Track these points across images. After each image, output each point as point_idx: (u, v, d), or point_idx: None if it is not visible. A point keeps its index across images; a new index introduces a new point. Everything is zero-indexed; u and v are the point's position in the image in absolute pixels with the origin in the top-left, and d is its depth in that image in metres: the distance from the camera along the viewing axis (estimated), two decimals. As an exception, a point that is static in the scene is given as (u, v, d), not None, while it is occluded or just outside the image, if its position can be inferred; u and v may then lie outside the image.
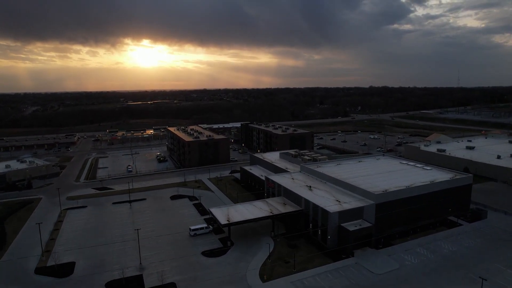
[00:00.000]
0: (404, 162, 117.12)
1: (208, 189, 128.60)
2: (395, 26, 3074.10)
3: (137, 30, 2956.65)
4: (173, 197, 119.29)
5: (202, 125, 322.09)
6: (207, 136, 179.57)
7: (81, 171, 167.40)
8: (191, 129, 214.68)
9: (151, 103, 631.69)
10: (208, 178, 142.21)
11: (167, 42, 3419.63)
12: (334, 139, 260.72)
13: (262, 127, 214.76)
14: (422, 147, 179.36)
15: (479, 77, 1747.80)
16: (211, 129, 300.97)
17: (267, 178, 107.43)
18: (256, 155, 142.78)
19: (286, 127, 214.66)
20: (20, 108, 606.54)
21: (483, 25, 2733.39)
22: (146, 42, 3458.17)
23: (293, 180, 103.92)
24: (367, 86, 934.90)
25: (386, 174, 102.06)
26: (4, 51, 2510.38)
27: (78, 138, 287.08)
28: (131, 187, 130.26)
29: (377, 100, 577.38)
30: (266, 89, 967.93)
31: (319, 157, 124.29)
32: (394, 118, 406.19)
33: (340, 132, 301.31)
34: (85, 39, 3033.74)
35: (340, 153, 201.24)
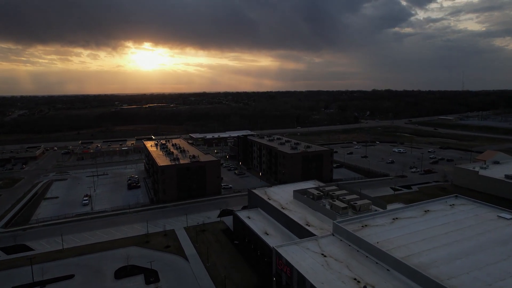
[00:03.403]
0: (505, 216, 69.75)
1: (180, 252, 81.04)
2: (396, 29, 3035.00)
3: (139, 33, 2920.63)
4: (119, 273, 71.96)
5: (194, 135, 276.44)
6: (190, 157, 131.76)
7: (15, 205, 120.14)
8: (173, 144, 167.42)
9: (146, 107, 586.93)
10: (184, 228, 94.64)
11: (168, 45, 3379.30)
12: (351, 153, 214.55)
13: (265, 141, 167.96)
14: (481, 171, 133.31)
15: (481, 81, 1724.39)
16: (204, 140, 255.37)
17: (277, 253, 60.31)
18: (256, 192, 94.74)
19: (296, 141, 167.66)
20: (6, 112, 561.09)
21: (484, 29, 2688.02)
22: (147, 45, 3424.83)
23: (325, 259, 57.11)
24: (369, 89, 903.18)
25: (494, 251, 54.94)
26: (5, 54, 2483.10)
27: (44, 150, 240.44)
28: (61, 247, 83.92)
29: (387, 104, 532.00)
30: (267, 92, 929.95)
31: (359, 203, 76.81)
32: (437, 129, 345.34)
33: (356, 143, 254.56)
34: (86, 42, 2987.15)
35: (366, 176, 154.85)
